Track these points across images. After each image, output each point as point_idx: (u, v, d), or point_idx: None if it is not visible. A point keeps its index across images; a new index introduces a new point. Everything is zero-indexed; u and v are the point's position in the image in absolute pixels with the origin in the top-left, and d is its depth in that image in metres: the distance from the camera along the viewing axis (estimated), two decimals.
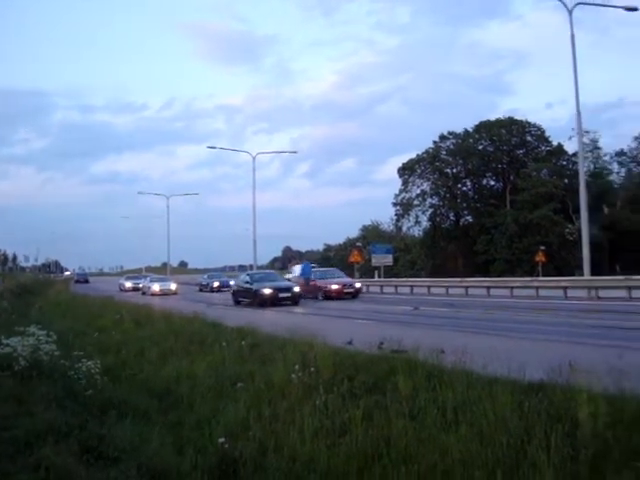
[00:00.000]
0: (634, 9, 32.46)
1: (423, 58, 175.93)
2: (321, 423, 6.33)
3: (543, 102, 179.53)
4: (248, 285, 32.56)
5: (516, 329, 16.36)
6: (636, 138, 74.52)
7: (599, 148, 71.26)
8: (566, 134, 75.22)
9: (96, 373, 8.83)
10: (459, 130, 77.74)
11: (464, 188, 79.13)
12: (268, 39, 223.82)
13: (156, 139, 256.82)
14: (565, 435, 5.11)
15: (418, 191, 78.02)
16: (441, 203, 78.18)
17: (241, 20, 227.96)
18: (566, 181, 67.24)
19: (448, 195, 77.48)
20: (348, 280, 38.03)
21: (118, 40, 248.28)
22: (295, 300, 30.65)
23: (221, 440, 5.92)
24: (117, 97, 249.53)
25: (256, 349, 11.38)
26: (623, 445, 4.88)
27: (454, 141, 77.53)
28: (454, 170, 77.32)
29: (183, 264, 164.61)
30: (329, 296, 34.13)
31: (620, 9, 33.43)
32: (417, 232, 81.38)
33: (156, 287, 49.40)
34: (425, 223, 78.64)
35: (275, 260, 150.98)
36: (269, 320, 18.97)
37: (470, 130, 76.87)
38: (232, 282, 57.60)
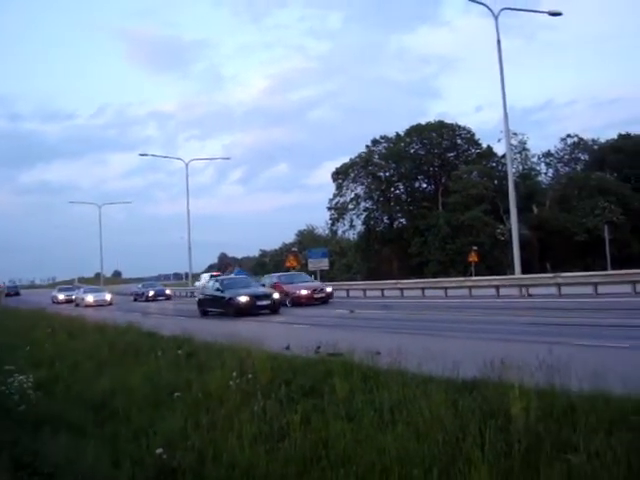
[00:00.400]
0: (558, 14, 33.45)
1: (354, 63, 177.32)
2: (259, 429, 6.31)
3: (472, 106, 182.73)
4: (219, 293, 28.60)
5: (450, 329, 16.65)
6: (562, 139, 76.96)
7: (527, 150, 73.22)
8: (495, 136, 77.13)
9: (29, 388, 8.59)
10: (391, 134, 78.74)
11: (397, 191, 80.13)
12: (198, 44, 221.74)
13: (87, 147, 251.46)
14: (499, 430, 5.21)
15: (352, 195, 78.76)
16: (375, 207, 78.97)
17: (170, 25, 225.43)
18: (496, 182, 68.66)
19: (382, 199, 78.32)
20: (318, 284, 35.52)
21: (45, 46, 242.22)
22: (275, 308, 27.50)
23: (159, 451, 5.84)
24: (45, 105, 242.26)
25: (193, 357, 11.28)
26: (554, 438, 5.01)
27: (386, 145, 78.44)
28: (387, 174, 78.19)
29: (117, 274, 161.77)
30: (298, 302, 31.23)
31: (545, 14, 34.38)
32: (352, 236, 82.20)
33: (90, 298, 48.39)
34: (360, 227, 79.43)
35: (211, 267, 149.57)
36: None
37: (401, 134, 77.88)
38: (168, 291, 57.29)
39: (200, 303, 30.57)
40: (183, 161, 62.99)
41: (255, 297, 27.23)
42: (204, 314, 29.29)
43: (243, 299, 26.90)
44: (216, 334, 13.05)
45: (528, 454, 4.83)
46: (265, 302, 27.33)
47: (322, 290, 33.21)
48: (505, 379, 6.33)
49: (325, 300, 32.50)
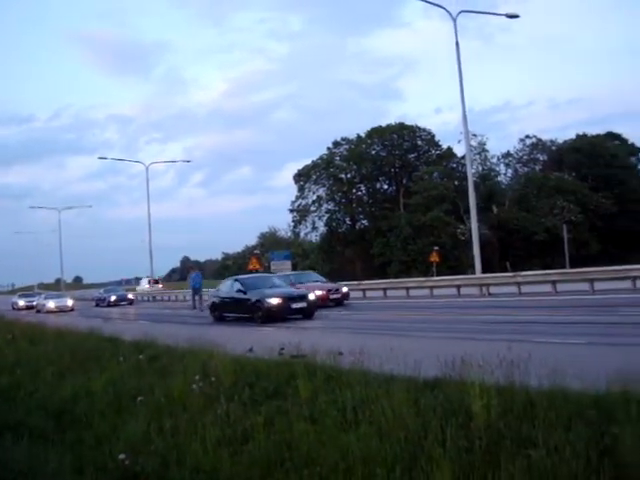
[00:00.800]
0: (515, 16, 33.92)
1: (315, 65, 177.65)
2: (223, 432, 6.31)
3: (433, 107, 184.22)
4: (240, 295, 24.09)
5: (412, 328, 16.77)
6: (521, 140, 77.98)
7: (487, 150, 73.98)
8: (455, 138, 77.71)
9: None
10: (352, 136, 79.02)
11: (359, 193, 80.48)
12: (159, 47, 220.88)
13: (46, 151, 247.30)
14: (460, 428, 5.28)
15: (314, 197, 78.94)
16: (337, 208, 79.23)
17: (131, 28, 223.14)
18: (456, 183, 69.29)
19: (343, 200, 78.60)
20: (332, 284, 31.95)
21: (1, 49, 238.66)
22: (310, 312, 23.09)
23: (122, 456, 5.81)
24: (2, 108, 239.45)
25: (155, 362, 11.21)
26: (514, 434, 5.08)
27: (347, 147, 78.70)
28: (348, 175, 78.43)
29: (78, 279, 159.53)
30: None
31: (502, 16, 34.84)
32: (314, 237, 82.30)
33: (51, 304, 47.76)
34: (322, 228, 79.55)
35: (173, 271, 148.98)
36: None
37: (363, 136, 78.20)
38: (130, 295, 56.89)
39: (214, 307, 26.18)
40: (143, 164, 62.73)
41: (289, 299, 22.92)
42: (219, 319, 25.08)
43: (274, 301, 22.57)
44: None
45: (489, 450, 4.89)
46: (300, 304, 22.95)
47: (338, 290, 30.30)
48: (466, 377, 6.40)
49: (340, 301, 29.66)
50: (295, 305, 22.70)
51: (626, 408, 5.01)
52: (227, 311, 25.12)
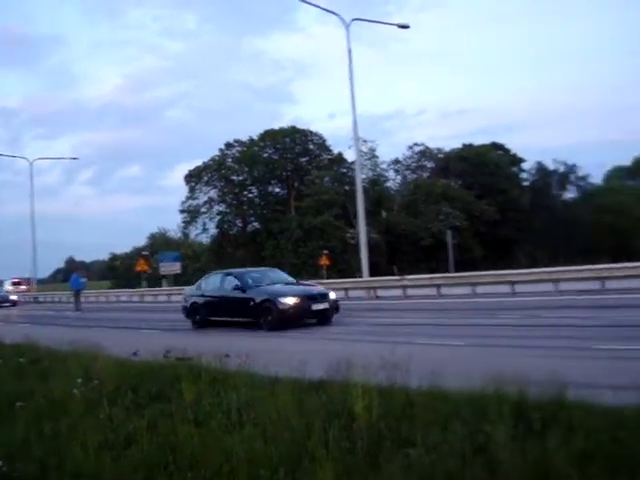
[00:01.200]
0: (406, 27, 34.83)
1: (209, 65, 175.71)
2: (105, 436, 6.18)
3: (327, 112, 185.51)
4: (238, 293, 19.11)
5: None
6: (410, 147, 79.79)
7: (377, 157, 75.01)
8: (348, 143, 78.70)
9: None
10: (245, 138, 78.81)
11: (250, 195, 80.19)
12: (48, 40, 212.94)
13: None
14: (343, 428, 5.38)
15: (205, 198, 78.12)
16: (228, 210, 78.72)
17: (19, 19, 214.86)
18: (347, 188, 70.11)
19: (235, 202, 78.20)
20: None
21: None
22: (329, 315, 18.55)
23: None
24: None
25: (37, 365, 10.86)
26: (394, 434, 5.23)
27: (240, 149, 78.39)
28: (240, 177, 78.12)
29: None
30: None
31: (394, 26, 35.64)
32: (205, 239, 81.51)
33: None
34: (213, 230, 78.89)
35: (58, 272, 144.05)
36: None
37: (255, 138, 78.10)
38: (14, 296, 54.41)
39: (194, 310, 20.92)
40: (27, 160, 60.50)
41: (309, 298, 18.25)
42: (202, 325, 20.12)
43: (291, 301, 17.76)
44: None
45: (370, 450, 5.00)
46: (322, 305, 18.27)
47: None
48: (349, 379, 6.53)
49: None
50: (316, 306, 18.13)
51: (498, 407, 5.24)
52: (215, 314, 20.01)
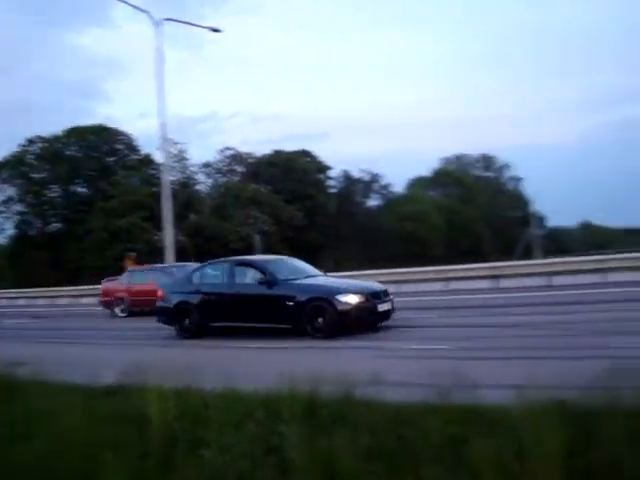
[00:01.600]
0: (218, 30, 34.85)
1: (18, 57, 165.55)
2: None
3: (138, 111, 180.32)
4: (263, 289, 14.48)
5: (97, 336, 16.69)
6: (221, 151, 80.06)
7: (186, 159, 74.43)
8: (157, 144, 77.27)
9: None
10: (48, 134, 75.29)
11: (52, 194, 76.68)
12: None
13: None
14: (137, 432, 5.36)
15: (3, 197, 73.79)
16: (28, 210, 74.83)
17: None
18: (155, 189, 68.95)
19: (35, 201, 74.44)
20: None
21: None
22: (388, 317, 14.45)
23: None
24: None
25: None
26: (189, 435, 5.28)
27: (42, 145, 74.75)
28: (41, 175, 74.56)
29: None
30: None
31: (206, 29, 35.53)
32: (2, 240, 76.98)
33: None
34: (11, 231, 74.67)
35: None
36: None
37: (60, 135, 74.84)
38: None
39: (179, 312, 15.59)
40: None
41: (374, 295, 14.19)
42: (193, 333, 15.21)
43: (353, 300, 13.61)
44: None
45: (165, 453, 5.03)
46: (387, 306, 14.34)
47: None
48: (148, 382, 6.49)
49: None
50: (382, 307, 14.15)
51: (291, 408, 5.43)
52: (221, 318, 14.99)
